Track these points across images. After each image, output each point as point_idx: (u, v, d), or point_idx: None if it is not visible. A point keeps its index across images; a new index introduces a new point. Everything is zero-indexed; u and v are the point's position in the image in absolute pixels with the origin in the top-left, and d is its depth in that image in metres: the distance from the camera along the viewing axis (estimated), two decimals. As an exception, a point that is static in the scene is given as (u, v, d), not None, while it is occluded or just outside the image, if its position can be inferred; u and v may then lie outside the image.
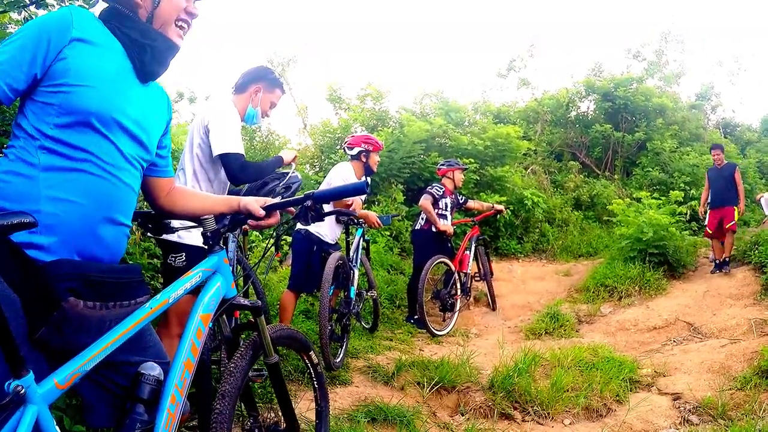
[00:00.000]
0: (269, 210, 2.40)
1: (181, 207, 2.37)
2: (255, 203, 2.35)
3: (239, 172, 3.52)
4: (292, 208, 2.43)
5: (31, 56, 1.77)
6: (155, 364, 2.02)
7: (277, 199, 2.62)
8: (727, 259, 9.31)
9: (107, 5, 2.03)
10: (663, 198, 10.32)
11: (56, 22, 1.83)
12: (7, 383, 1.56)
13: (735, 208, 9.50)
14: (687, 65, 23.83)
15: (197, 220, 2.39)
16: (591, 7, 44.64)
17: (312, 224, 2.53)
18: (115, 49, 1.96)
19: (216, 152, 3.50)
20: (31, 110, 1.82)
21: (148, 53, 2.02)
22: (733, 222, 9.34)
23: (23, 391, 1.56)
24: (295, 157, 4.09)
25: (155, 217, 2.49)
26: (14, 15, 3.58)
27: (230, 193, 4.09)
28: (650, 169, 15.50)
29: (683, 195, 10.84)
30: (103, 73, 1.88)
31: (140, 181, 2.11)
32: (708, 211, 9.81)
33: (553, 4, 46.80)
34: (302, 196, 2.42)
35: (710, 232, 9.67)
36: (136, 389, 1.95)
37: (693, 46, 37.13)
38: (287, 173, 4.03)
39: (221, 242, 2.41)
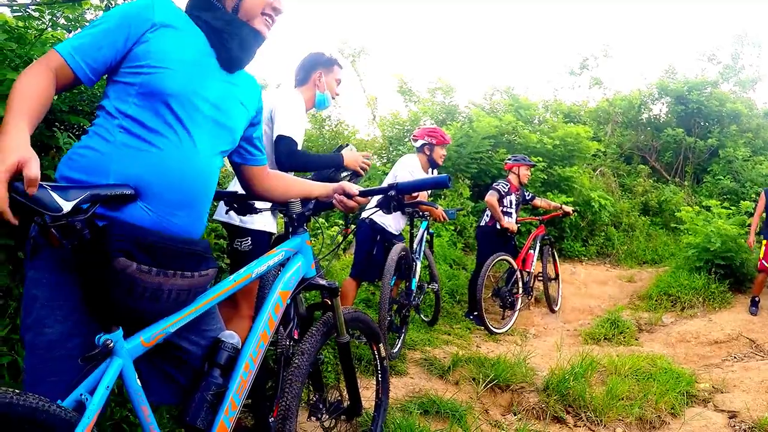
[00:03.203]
0: (351, 198, 2.51)
1: (282, 192, 2.51)
2: (351, 185, 2.48)
3: (286, 157, 3.53)
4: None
5: (112, 40, 1.86)
6: (234, 333, 2.18)
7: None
8: (757, 299, 8.17)
9: None
10: (733, 208, 10.03)
11: (138, 8, 1.91)
12: (97, 336, 1.73)
13: None
14: (763, 70, 23.00)
15: (284, 204, 2.52)
16: (666, 7, 43.50)
17: (392, 213, 2.62)
18: (197, 36, 2.04)
19: (275, 134, 3.57)
20: (113, 89, 1.90)
21: (235, 41, 2.09)
22: None
23: (112, 344, 1.72)
24: (361, 169, 3.87)
25: (241, 197, 2.64)
26: (95, 0, 3.65)
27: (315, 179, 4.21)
28: (721, 177, 15.04)
29: (754, 206, 10.53)
30: (182, 57, 1.95)
31: (221, 165, 2.16)
32: (764, 241, 8.28)
33: (627, 3, 45.78)
34: (387, 186, 2.51)
35: (766, 266, 8.13)
36: (214, 354, 2.10)
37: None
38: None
39: (303, 225, 2.54)
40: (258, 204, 2.69)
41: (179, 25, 1.99)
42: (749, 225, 9.42)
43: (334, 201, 2.51)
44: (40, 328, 1.75)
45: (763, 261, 8.14)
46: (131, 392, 1.83)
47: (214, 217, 3.67)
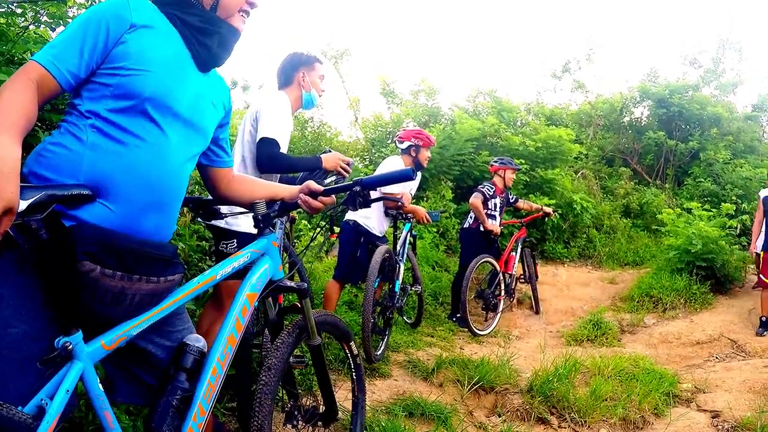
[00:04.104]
0: (315, 197, 2.46)
1: (246, 194, 2.47)
2: (315, 183, 2.44)
3: (267, 159, 3.48)
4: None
5: (92, 44, 1.80)
6: (200, 337, 2.11)
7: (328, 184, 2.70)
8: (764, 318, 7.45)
9: None
10: (714, 210, 10.10)
11: (114, 8, 1.85)
12: (57, 339, 1.67)
13: None
14: (744, 75, 23.18)
15: (248, 205, 2.47)
16: (648, 11, 43.85)
17: (359, 210, 2.58)
18: (173, 36, 1.99)
19: (258, 136, 3.51)
20: (86, 90, 1.84)
21: (215, 39, 2.06)
22: None
23: (71, 347, 1.67)
24: (342, 170, 3.83)
25: (206, 202, 2.59)
26: (78, -1, 3.59)
27: (283, 181, 4.18)
28: (702, 180, 15.15)
29: (734, 208, 10.59)
30: (161, 59, 1.91)
31: (191, 170, 2.13)
32: (762, 254, 7.70)
33: (610, 7, 46.10)
34: (351, 182, 2.47)
35: (766, 281, 7.51)
36: (180, 358, 2.02)
37: (751, 55, 36.12)
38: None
39: (271, 226, 2.49)
40: (223, 209, 2.66)
41: (155, 25, 1.95)
42: (729, 227, 9.51)
43: (299, 201, 2.47)
44: (3, 327, 1.67)
45: (762, 276, 7.62)
46: (92, 397, 1.79)
47: (199, 218, 3.63)
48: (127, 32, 1.85)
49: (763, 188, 8.38)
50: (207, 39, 2.05)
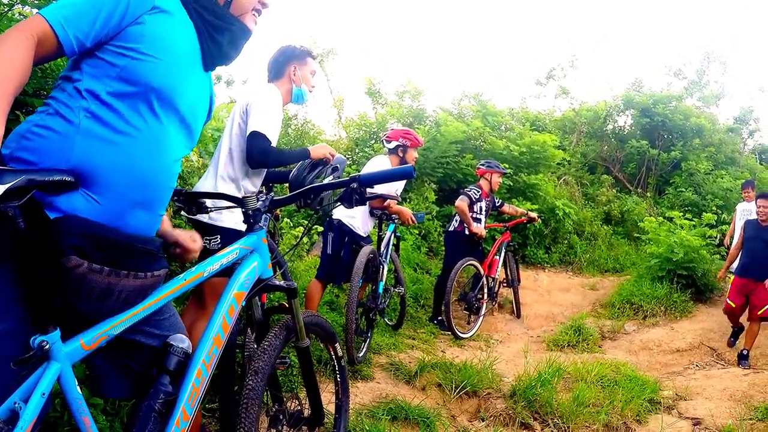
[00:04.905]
0: (317, 191, 2.42)
1: None
2: (192, 241, 2.28)
3: (259, 154, 3.38)
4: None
5: (107, 15, 1.68)
6: (185, 337, 2.02)
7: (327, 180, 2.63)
8: (746, 352, 6.94)
9: None
10: (696, 219, 10.19)
11: None
12: (32, 338, 1.54)
13: None
14: (728, 87, 23.47)
15: (238, 200, 2.40)
16: (634, 21, 44.21)
17: (354, 207, 2.52)
18: (189, 27, 1.92)
19: (249, 130, 3.43)
20: (90, 65, 1.73)
21: (226, 36, 2.01)
22: (766, 308, 6.88)
23: (48, 346, 1.55)
24: (327, 158, 3.75)
25: (194, 195, 2.51)
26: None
27: (275, 176, 4.12)
28: (683, 190, 15.34)
29: (715, 218, 10.67)
30: (175, 50, 1.84)
31: (179, 171, 2.03)
32: (733, 276, 7.57)
33: (596, 15, 46.40)
34: (348, 178, 2.40)
35: (732, 305, 7.26)
36: (163, 360, 1.94)
37: (735, 69, 36.53)
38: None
39: (260, 222, 2.42)
40: (208, 202, 2.58)
41: (175, 12, 1.87)
42: (710, 237, 9.56)
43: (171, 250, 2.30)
44: None
45: (728, 300, 7.38)
46: (70, 401, 1.67)
47: (183, 213, 3.55)
48: (148, 13, 1.77)
49: (741, 201, 8.30)
50: (218, 35, 2.00)
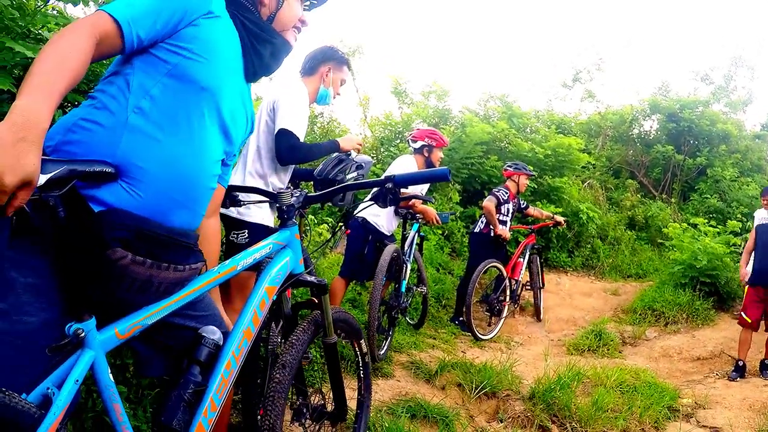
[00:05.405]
0: (351, 189, 2.46)
1: None
2: None
3: (287, 151, 3.40)
4: None
5: (168, 16, 1.73)
6: (216, 329, 2.03)
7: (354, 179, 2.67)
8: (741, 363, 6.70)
9: None
10: (720, 227, 10.11)
11: None
12: (68, 325, 1.56)
13: None
14: (755, 93, 23.23)
15: (273, 195, 2.44)
16: (660, 25, 43.85)
17: (388, 207, 2.54)
18: (235, 36, 1.97)
19: (276, 127, 3.44)
20: (141, 61, 1.75)
21: (268, 48, 2.07)
22: None
23: (83, 334, 1.56)
24: (358, 148, 3.87)
25: (228, 189, 2.48)
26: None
27: (302, 174, 4.17)
28: (708, 196, 15.20)
29: (740, 226, 10.58)
30: (224, 54, 1.89)
31: (219, 171, 2.04)
32: (747, 288, 7.04)
33: (623, 19, 46.07)
34: (383, 178, 2.39)
35: (748, 321, 6.75)
36: (194, 351, 1.96)
37: (763, 75, 36.09)
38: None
39: (293, 218, 2.45)
40: (242, 195, 2.60)
41: (226, 19, 1.93)
42: (734, 244, 9.46)
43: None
44: (18, 315, 1.52)
45: (743, 313, 6.93)
46: (102, 388, 1.70)
47: None
48: (204, 17, 1.83)
49: (760, 208, 7.77)
50: (261, 47, 2.05)
